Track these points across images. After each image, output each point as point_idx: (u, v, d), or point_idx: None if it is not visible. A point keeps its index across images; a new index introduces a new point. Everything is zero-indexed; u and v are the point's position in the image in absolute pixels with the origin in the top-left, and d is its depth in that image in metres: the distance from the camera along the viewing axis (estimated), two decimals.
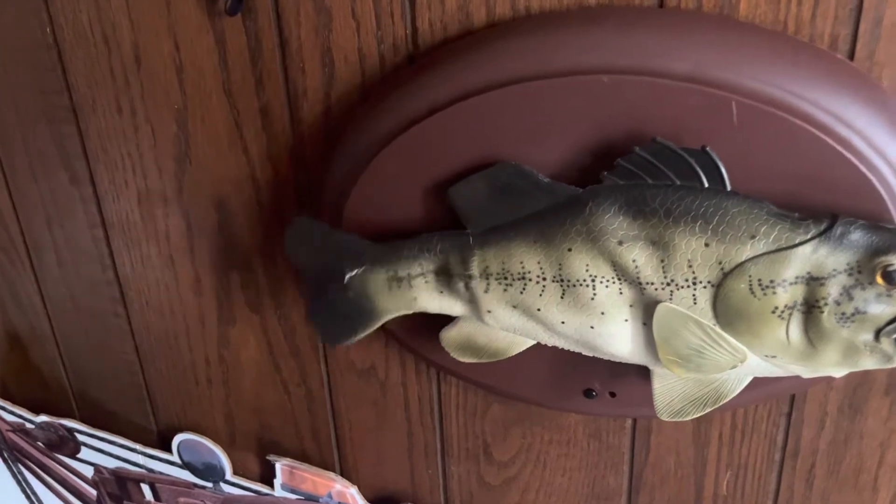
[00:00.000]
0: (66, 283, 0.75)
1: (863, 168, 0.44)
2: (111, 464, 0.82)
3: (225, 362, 0.72)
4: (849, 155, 0.44)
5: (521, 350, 0.53)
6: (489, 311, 0.51)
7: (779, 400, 0.55)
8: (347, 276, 0.54)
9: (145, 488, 0.82)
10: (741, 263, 0.43)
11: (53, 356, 0.81)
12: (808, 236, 0.42)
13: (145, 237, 0.68)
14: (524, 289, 0.49)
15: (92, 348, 0.78)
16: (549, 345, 0.51)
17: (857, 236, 0.41)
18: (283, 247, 0.57)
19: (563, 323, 0.49)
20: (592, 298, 0.47)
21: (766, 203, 0.43)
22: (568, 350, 0.51)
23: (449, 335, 0.54)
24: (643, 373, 0.51)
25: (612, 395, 0.56)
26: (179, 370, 0.75)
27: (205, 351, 0.72)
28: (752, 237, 0.43)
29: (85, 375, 0.80)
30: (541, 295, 0.49)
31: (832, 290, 0.42)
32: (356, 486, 0.72)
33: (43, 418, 0.82)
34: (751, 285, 0.43)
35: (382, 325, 0.55)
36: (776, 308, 0.43)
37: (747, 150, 0.44)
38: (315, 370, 0.69)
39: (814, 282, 0.42)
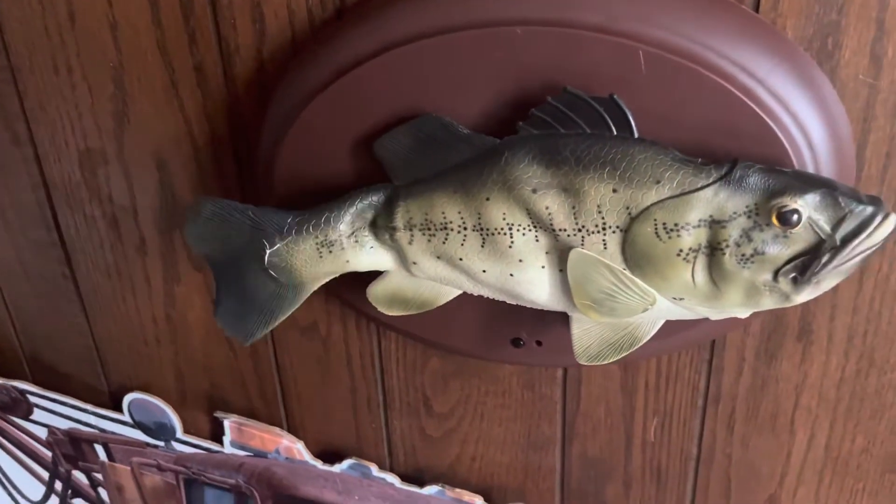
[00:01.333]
0: (14, 245, 0.75)
1: (765, 116, 0.45)
2: (64, 425, 0.83)
3: (172, 321, 0.73)
4: (752, 104, 0.45)
5: (447, 300, 0.55)
6: (415, 263, 0.52)
7: (700, 347, 0.57)
8: (269, 252, 0.52)
9: (99, 449, 0.83)
10: (647, 208, 0.44)
11: (3, 319, 0.81)
12: (710, 180, 0.43)
13: (88, 198, 0.69)
14: (446, 239, 0.50)
15: (41, 311, 0.79)
16: (475, 294, 0.53)
17: (754, 180, 0.43)
18: None
19: (484, 272, 0.50)
20: (510, 246, 0.49)
21: (671, 150, 0.44)
22: (494, 300, 0.53)
23: (375, 290, 0.55)
24: (566, 321, 0.53)
25: (539, 343, 0.57)
26: (128, 330, 0.76)
27: (152, 311, 0.73)
28: (657, 182, 0.44)
29: (36, 338, 0.81)
30: (462, 244, 0.50)
31: (733, 232, 0.43)
32: (303, 442, 0.74)
33: None
34: (656, 229, 0.44)
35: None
36: (681, 251, 0.44)
37: (655, 98, 0.46)
38: None
39: (716, 224, 0.44)
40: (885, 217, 0.41)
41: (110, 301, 0.74)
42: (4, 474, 0.92)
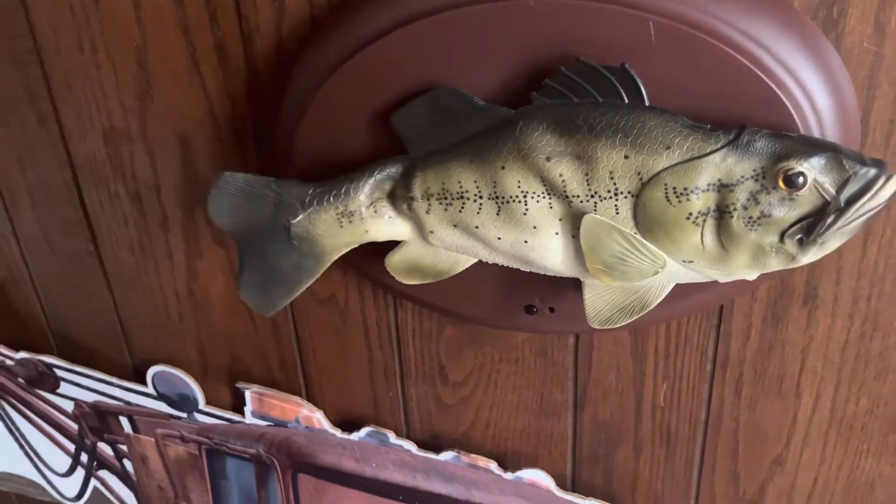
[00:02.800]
0: (40, 223, 0.78)
1: (771, 84, 0.47)
2: (90, 398, 0.86)
3: (194, 296, 0.75)
4: (758, 72, 0.47)
5: (463, 269, 0.57)
6: (432, 232, 0.54)
7: (708, 312, 0.59)
8: (292, 223, 0.54)
9: (124, 421, 0.86)
10: (657, 173, 0.46)
11: (31, 297, 0.84)
12: (718, 145, 0.45)
13: (112, 175, 0.71)
14: (463, 207, 0.52)
15: (68, 287, 0.81)
16: (490, 262, 0.55)
17: (761, 144, 0.44)
18: None
19: (499, 239, 0.52)
20: (525, 213, 0.50)
21: (680, 117, 0.46)
22: (508, 268, 0.55)
23: (393, 260, 0.57)
24: (578, 287, 0.55)
25: (552, 310, 0.59)
26: (151, 305, 0.78)
27: (174, 286, 0.75)
28: (668, 148, 0.46)
29: (62, 314, 0.84)
30: (478, 213, 0.52)
31: (740, 195, 0.45)
32: (322, 411, 0.76)
33: (23, 355, 0.86)
34: (667, 194, 0.46)
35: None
36: (690, 214, 0.46)
37: (665, 67, 0.47)
38: None
39: (724, 188, 0.45)
40: (889, 178, 0.43)
41: (134, 277, 0.77)
42: (31, 447, 0.95)
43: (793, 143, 0.44)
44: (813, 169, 0.43)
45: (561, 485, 0.70)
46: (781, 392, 0.60)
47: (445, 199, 0.52)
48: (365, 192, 0.54)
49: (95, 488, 0.94)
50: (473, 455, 0.71)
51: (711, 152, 0.45)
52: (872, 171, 0.43)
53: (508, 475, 0.71)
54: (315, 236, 0.55)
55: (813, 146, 0.44)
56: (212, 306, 0.75)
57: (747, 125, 0.45)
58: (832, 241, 0.45)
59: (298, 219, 0.54)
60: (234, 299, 0.74)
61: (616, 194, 0.47)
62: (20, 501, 1.06)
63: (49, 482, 0.98)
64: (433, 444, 0.74)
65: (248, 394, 0.78)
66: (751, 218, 0.45)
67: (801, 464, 0.62)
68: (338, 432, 0.76)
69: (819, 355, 0.58)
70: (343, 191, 0.54)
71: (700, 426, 0.63)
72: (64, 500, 0.98)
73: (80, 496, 0.96)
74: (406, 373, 0.71)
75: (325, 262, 0.56)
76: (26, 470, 0.98)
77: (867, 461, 0.61)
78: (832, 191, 0.43)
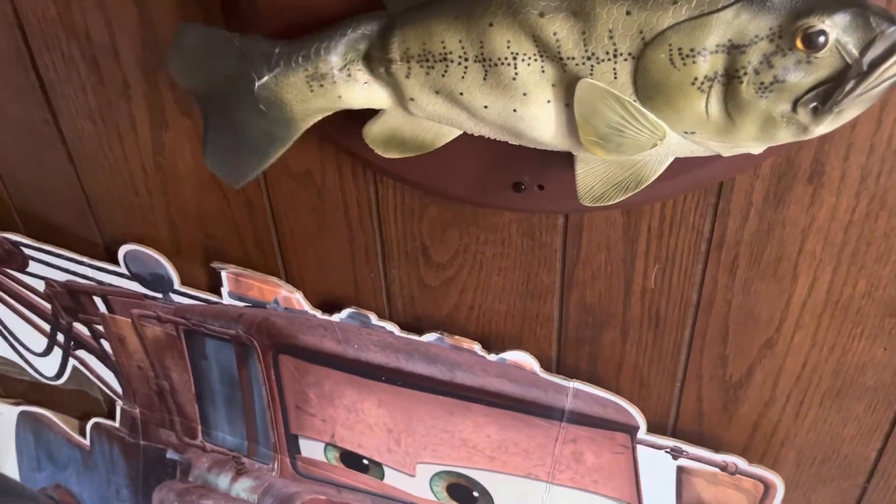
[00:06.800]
0: None
1: None
2: (61, 277, 0.83)
3: (162, 170, 0.71)
4: None
5: (446, 141, 0.52)
6: (412, 99, 0.49)
7: (707, 190, 0.55)
8: (258, 84, 0.49)
9: (98, 301, 0.83)
10: (662, 32, 0.41)
11: None
12: (731, 0, 0.40)
13: (65, 36, 0.65)
14: (446, 71, 0.47)
15: (26, 160, 0.76)
16: (475, 134, 0.50)
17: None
18: None
19: (486, 107, 0.48)
20: (514, 78, 0.46)
21: None
22: (495, 141, 0.51)
23: (372, 130, 0.53)
24: (569, 163, 0.51)
25: (541, 187, 0.56)
26: (117, 180, 0.74)
27: (140, 159, 0.71)
28: (674, 3, 0.41)
29: (24, 189, 0.79)
30: (463, 77, 0.47)
31: (752, 58, 0.40)
32: (301, 292, 0.74)
33: None
34: (671, 55, 0.42)
35: (314, 125, 0.53)
36: (696, 79, 0.42)
37: None
38: None
39: (734, 50, 0.41)
40: None
41: (97, 149, 0.72)
42: (6, 326, 0.93)
43: None
44: (836, 27, 0.39)
45: (545, 367, 0.69)
46: (777, 274, 0.57)
47: (427, 61, 0.47)
48: (337, 53, 0.49)
49: (75, 368, 0.93)
50: (457, 337, 0.70)
51: (723, 8, 0.40)
52: None
53: (492, 357, 0.69)
54: (283, 101, 0.50)
55: (837, 1, 0.39)
56: (181, 181, 0.71)
57: None
58: (850, 110, 0.41)
59: (264, 80, 0.49)
60: (205, 173, 0.70)
61: (615, 56, 0.43)
62: (0, 381, 1.05)
63: (27, 362, 0.96)
64: (416, 326, 0.72)
65: (224, 274, 0.75)
66: (762, 84, 0.41)
67: (791, 347, 0.61)
68: (318, 313, 0.74)
69: (820, 236, 0.55)
70: (313, 50, 0.49)
71: (691, 309, 0.61)
72: (44, 379, 0.97)
73: (59, 375, 0.95)
74: (388, 253, 0.68)
75: (295, 131, 0.52)
76: (3, 349, 0.97)
77: (860, 344, 0.59)
78: (855, 52, 0.39)
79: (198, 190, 0.71)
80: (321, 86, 0.50)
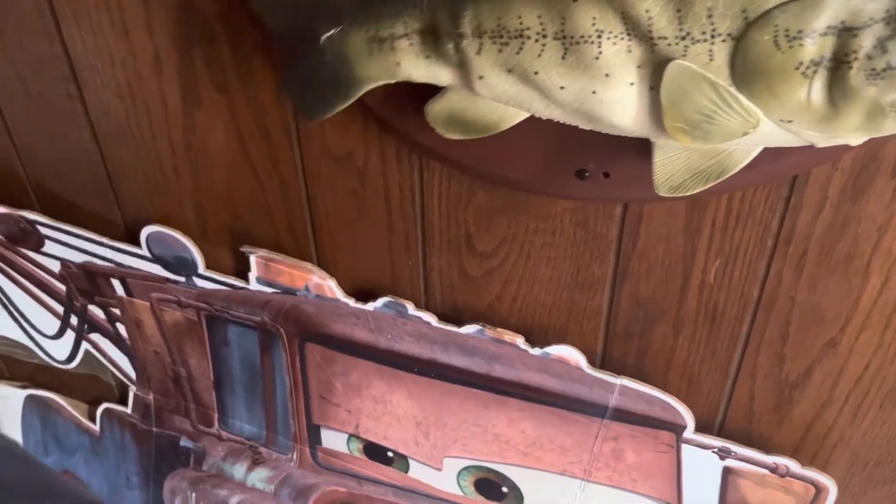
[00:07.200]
0: (10, 59, 0.68)
1: None
2: (78, 258, 0.79)
3: (192, 149, 0.67)
4: None
5: (513, 124, 0.49)
6: (481, 78, 0.46)
7: (779, 183, 0.53)
8: (323, 38, 0.48)
9: (116, 283, 0.80)
10: (767, 11, 0.38)
11: (5, 143, 0.75)
12: None
13: (94, 5, 0.61)
14: (521, 48, 0.44)
15: (47, 135, 0.72)
16: (544, 117, 0.47)
17: None
18: (250, 17, 0.51)
19: (562, 88, 0.45)
20: (597, 58, 0.43)
21: None
22: (562, 125, 0.48)
23: (435, 108, 0.50)
24: (641, 150, 0.48)
25: (606, 175, 0.53)
26: (143, 159, 0.70)
27: (169, 137, 0.67)
28: None
29: (42, 164, 0.75)
30: (539, 55, 0.44)
31: (865, 41, 0.37)
32: (335, 279, 0.71)
33: (1, 210, 0.78)
34: (776, 36, 0.39)
35: (363, 105, 0.50)
36: (801, 63, 0.39)
37: None
38: (288, 157, 0.65)
39: (846, 33, 0.38)
40: None
41: (122, 125, 0.68)
42: (16, 307, 0.90)
43: None
44: None
45: (590, 362, 0.66)
46: (848, 272, 0.55)
47: (501, 37, 0.44)
48: (401, 20, 0.45)
49: (87, 351, 0.90)
50: (499, 329, 0.67)
51: None
52: None
53: (535, 350, 0.67)
54: (346, 57, 0.48)
55: None
56: (212, 161, 0.68)
57: None
58: None
59: (330, 33, 0.47)
60: (237, 154, 0.66)
61: (713, 36, 0.40)
62: (5, 363, 1.02)
63: (38, 344, 0.93)
64: (454, 316, 0.69)
65: (253, 259, 0.72)
66: (873, 70, 0.38)
67: (855, 347, 0.58)
68: (351, 301, 0.71)
69: None
70: (378, 13, 0.46)
71: (751, 305, 0.59)
72: (54, 363, 0.94)
73: (71, 359, 0.92)
74: (429, 241, 0.65)
75: (356, 90, 0.49)
76: (12, 331, 0.93)
77: None
78: None
79: (229, 171, 0.68)
80: (380, 49, 0.47)
